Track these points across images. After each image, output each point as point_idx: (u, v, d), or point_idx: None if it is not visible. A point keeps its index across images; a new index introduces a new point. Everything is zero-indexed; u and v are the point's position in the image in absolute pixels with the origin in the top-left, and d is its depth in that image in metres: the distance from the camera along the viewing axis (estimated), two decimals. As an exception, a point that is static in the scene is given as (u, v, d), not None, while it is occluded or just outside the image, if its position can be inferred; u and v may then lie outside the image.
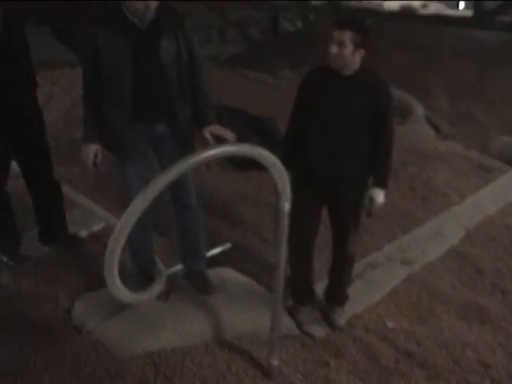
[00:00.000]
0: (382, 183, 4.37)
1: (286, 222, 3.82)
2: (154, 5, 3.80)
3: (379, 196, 4.33)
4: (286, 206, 3.77)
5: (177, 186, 4.25)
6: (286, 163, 4.39)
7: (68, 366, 3.91)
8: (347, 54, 4.01)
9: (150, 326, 4.19)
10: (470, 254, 6.02)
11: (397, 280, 5.45)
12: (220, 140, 4.14)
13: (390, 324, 4.88)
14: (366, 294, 5.20)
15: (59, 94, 8.94)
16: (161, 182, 3.34)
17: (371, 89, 4.15)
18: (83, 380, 3.81)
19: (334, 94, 4.18)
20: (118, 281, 3.57)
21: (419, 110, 11.55)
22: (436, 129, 11.28)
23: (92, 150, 4.09)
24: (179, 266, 4.84)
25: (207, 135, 4.15)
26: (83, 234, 5.23)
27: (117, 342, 4.10)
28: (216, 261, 5.21)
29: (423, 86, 13.33)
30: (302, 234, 4.58)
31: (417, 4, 21.63)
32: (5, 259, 4.96)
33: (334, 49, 3.99)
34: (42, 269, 4.94)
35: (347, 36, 3.96)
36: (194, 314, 4.35)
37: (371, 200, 4.32)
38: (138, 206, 3.35)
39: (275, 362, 4.08)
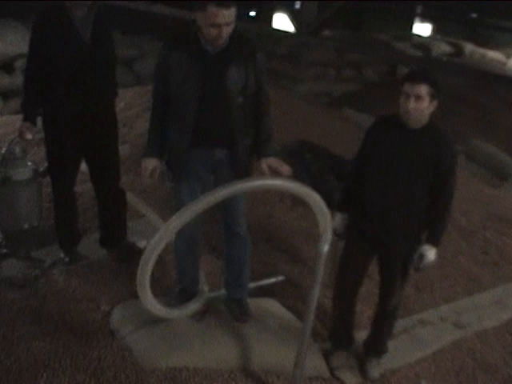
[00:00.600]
0: (434, 241, 4.31)
1: (322, 263, 3.86)
2: (226, 33, 3.88)
3: (430, 253, 4.27)
4: (325, 248, 3.80)
5: (227, 213, 4.36)
6: (343, 206, 4.44)
7: (92, 366, 4.02)
8: (424, 107, 4.00)
9: (178, 342, 4.26)
10: (529, 328, 5.84)
11: (444, 342, 5.33)
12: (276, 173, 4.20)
13: (424, 384, 4.80)
14: (408, 350, 5.12)
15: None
16: (196, 205, 3.44)
17: (435, 145, 4.12)
18: (102, 382, 3.91)
19: (396, 145, 4.17)
20: (149, 294, 3.70)
21: (520, 173, 11.32)
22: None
23: (150, 164, 4.21)
24: (222, 291, 4.91)
25: (264, 167, 4.21)
26: (142, 244, 5.35)
27: (144, 352, 4.19)
28: (266, 291, 5.25)
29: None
30: (348, 280, 4.60)
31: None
32: (62, 255, 5.16)
33: (411, 104, 3.98)
34: (93, 271, 5.10)
35: (424, 89, 3.95)
36: (224, 339, 4.39)
37: (421, 256, 4.27)
38: (173, 225, 3.46)
39: (295, 399, 4.09)
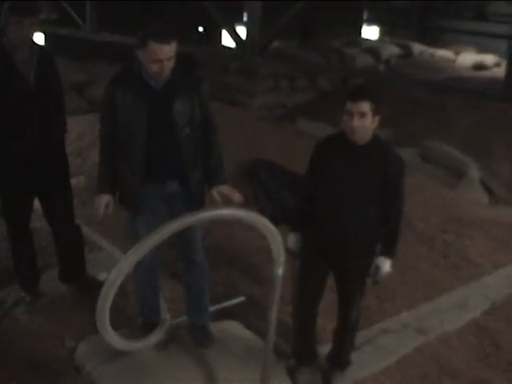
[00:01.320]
0: (388, 252, 4.40)
1: (278, 285, 3.92)
2: (168, 67, 3.95)
3: (385, 265, 4.36)
4: (279, 271, 3.87)
5: (183, 242, 4.43)
6: (296, 226, 4.51)
7: (60, 404, 4.05)
8: (368, 123, 4.09)
9: (143, 373, 4.31)
10: (490, 329, 5.91)
11: (408, 348, 5.39)
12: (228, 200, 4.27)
13: (390, 394, 4.87)
14: (372, 360, 5.18)
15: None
16: (152, 238, 3.50)
17: (382, 159, 4.22)
18: (70, 420, 3.94)
19: (344, 163, 4.25)
20: (109, 328, 3.73)
21: (474, 172, 11.43)
22: (490, 192, 11.12)
23: (103, 200, 4.27)
24: (184, 317, 4.95)
25: (215, 195, 4.27)
26: (102, 277, 5.37)
27: (110, 385, 4.23)
28: (228, 313, 5.30)
29: (486, 148, 13.16)
30: (306, 297, 4.66)
31: (490, 60, 21.47)
32: (23, 294, 5.17)
33: (356, 122, 4.06)
34: (55, 307, 5.12)
35: (366, 106, 4.03)
36: (188, 366, 4.44)
37: (377, 268, 4.35)
38: (131, 259, 3.51)
39: (262, 421, 4.14)
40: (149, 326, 4.59)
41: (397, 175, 4.26)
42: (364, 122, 4.07)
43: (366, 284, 4.57)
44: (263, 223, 3.77)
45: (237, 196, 4.22)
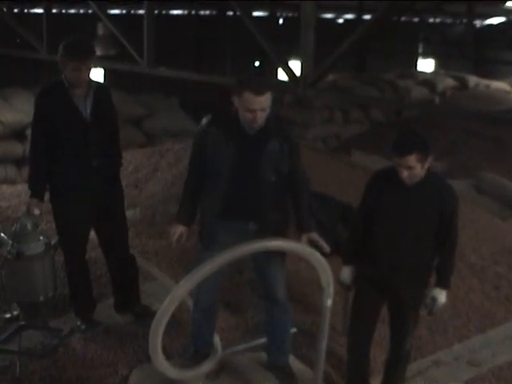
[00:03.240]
0: (444, 284, 4.46)
1: (327, 315, 3.99)
2: (262, 117, 4.05)
3: (441, 296, 4.42)
4: (328, 302, 3.95)
5: (265, 281, 4.56)
6: (349, 259, 4.54)
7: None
8: (417, 172, 4.16)
9: (194, 403, 4.37)
10: (543, 361, 5.87)
11: (460, 381, 5.38)
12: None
13: (442, 426, 4.86)
14: (424, 392, 5.19)
15: (164, 167, 9.38)
16: (205, 268, 3.61)
17: (436, 193, 4.28)
18: None
19: (398, 199, 4.32)
20: (161, 356, 3.83)
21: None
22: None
23: (179, 230, 4.45)
24: (238, 347, 5.03)
25: (304, 240, 4.32)
26: (156, 306, 5.46)
27: (160, 414, 4.30)
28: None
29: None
30: (360, 329, 4.69)
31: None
32: (79, 323, 5.30)
33: (404, 173, 4.14)
34: (110, 336, 5.22)
35: (413, 159, 4.08)
36: (239, 396, 4.50)
37: (433, 300, 4.40)
38: (183, 288, 3.62)
39: None
40: (200, 356, 4.65)
41: (451, 209, 4.31)
42: (413, 172, 4.14)
43: (419, 315, 4.59)
44: (314, 255, 3.87)
45: (325, 246, 4.29)
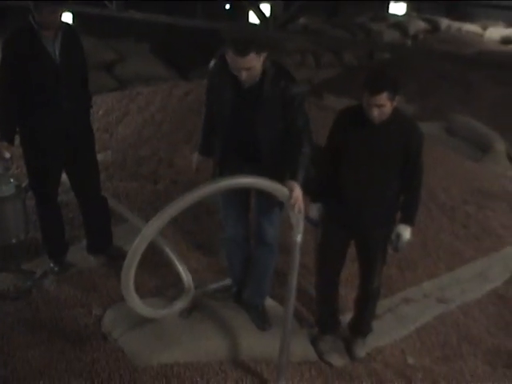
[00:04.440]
0: (409, 220, 4.50)
1: (297, 253, 4.05)
2: (250, 75, 4.04)
3: (406, 232, 4.45)
4: (298, 238, 4.00)
5: (256, 219, 4.58)
6: (317, 197, 4.59)
7: (87, 370, 4.18)
8: (387, 111, 4.17)
9: (168, 340, 4.43)
10: (510, 298, 6.01)
11: (428, 317, 5.51)
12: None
13: (410, 360, 4.97)
14: (393, 328, 5.29)
15: (134, 110, 9.34)
16: (172, 207, 3.64)
17: (402, 131, 4.29)
18: (97, 384, 4.08)
19: (364, 136, 4.33)
20: (134, 295, 3.88)
21: (501, 145, 11.42)
22: (516, 165, 11.13)
23: (195, 158, 4.79)
24: (211, 286, 5.10)
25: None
26: (128, 248, 5.47)
27: (136, 351, 4.36)
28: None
29: (512, 121, 13.16)
30: (327, 266, 4.76)
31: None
32: (51, 265, 5.32)
33: (375, 112, 4.14)
34: (83, 277, 5.25)
35: (384, 97, 4.09)
36: (212, 333, 4.56)
37: (398, 236, 4.44)
38: (152, 227, 3.65)
39: (283, 384, 4.27)
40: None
41: (416, 147, 4.34)
42: (382, 111, 4.15)
43: (387, 252, 4.65)
44: (282, 191, 3.91)
45: (299, 207, 4.08)
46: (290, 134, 4.23)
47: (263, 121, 4.23)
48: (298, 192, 4.05)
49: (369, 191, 4.41)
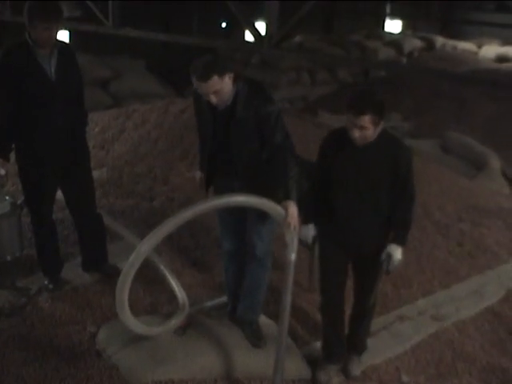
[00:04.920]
0: (400, 240, 4.44)
1: (291, 270, 4.06)
2: (220, 98, 4.10)
3: (397, 253, 4.39)
4: (292, 257, 4.02)
5: (248, 233, 4.60)
6: (308, 218, 4.55)
7: (80, 387, 4.19)
8: (369, 134, 4.12)
9: (163, 357, 4.42)
10: (505, 316, 5.98)
11: (423, 335, 5.48)
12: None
13: (404, 378, 4.95)
14: (388, 345, 5.28)
15: (130, 128, 9.37)
16: (166, 226, 3.67)
17: (390, 153, 4.26)
18: (91, 401, 4.08)
19: (353, 158, 4.30)
20: (128, 312, 3.90)
21: (495, 162, 11.45)
22: (511, 183, 11.14)
23: (197, 175, 4.78)
24: (204, 304, 5.11)
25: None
26: (123, 265, 5.49)
27: (130, 368, 4.36)
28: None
29: (507, 139, 13.18)
30: (331, 284, 4.72)
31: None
32: (46, 282, 5.32)
33: (356, 133, 4.09)
34: (77, 294, 5.26)
35: (367, 120, 4.03)
36: (206, 350, 4.55)
37: (389, 256, 4.39)
38: (146, 246, 3.67)
39: (277, 403, 4.26)
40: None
41: (405, 166, 4.29)
42: (365, 133, 4.10)
43: (380, 271, 4.64)
44: (276, 210, 3.94)
45: (294, 222, 4.13)
46: (270, 151, 4.24)
47: (239, 141, 4.27)
48: (293, 210, 4.08)
49: (359, 212, 4.38)
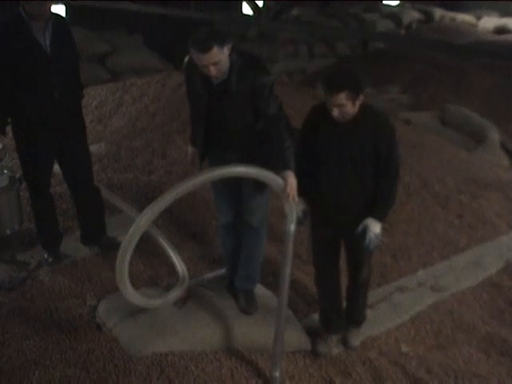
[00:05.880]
0: (379, 216, 4.37)
1: (291, 242, 4.05)
2: (217, 70, 4.07)
3: (374, 226, 4.31)
4: (291, 227, 4.00)
5: (243, 203, 4.61)
6: (298, 193, 4.47)
7: (81, 359, 4.19)
8: (349, 110, 4.06)
9: (163, 329, 4.43)
10: (504, 286, 6.00)
11: (422, 306, 5.51)
12: None
13: (404, 348, 4.98)
14: (387, 317, 5.30)
15: (128, 102, 9.34)
16: (165, 198, 3.65)
17: (372, 129, 4.20)
18: (92, 374, 4.07)
19: (334, 135, 4.26)
20: (128, 284, 3.90)
21: (495, 135, 11.42)
22: (511, 155, 11.13)
23: (189, 150, 4.80)
24: (204, 276, 5.11)
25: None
26: (122, 238, 5.49)
27: (130, 341, 4.37)
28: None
29: (506, 112, 13.16)
30: (323, 257, 4.73)
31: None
32: (46, 256, 5.33)
33: (335, 112, 4.05)
34: (77, 268, 5.27)
35: (343, 97, 3.98)
36: (206, 322, 4.56)
37: (365, 227, 4.31)
38: (146, 217, 3.66)
39: (277, 373, 4.28)
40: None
41: (388, 143, 4.23)
42: (343, 110, 4.06)
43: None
44: (277, 181, 3.92)
45: (292, 194, 4.13)
46: (265, 122, 4.24)
47: (235, 113, 4.28)
48: (292, 180, 4.08)
49: (345, 190, 4.35)
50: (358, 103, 4.08)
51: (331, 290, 4.84)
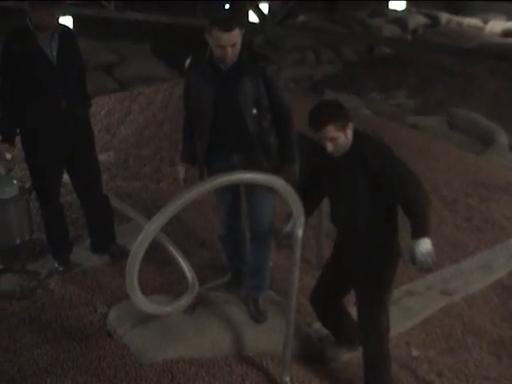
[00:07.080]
0: (418, 233, 3.99)
1: (299, 247, 4.07)
2: (233, 53, 4.17)
3: (418, 245, 3.94)
4: (299, 232, 4.02)
5: (250, 211, 4.65)
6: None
7: (92, 367, 4.21)
8: (342, 142, 3.93)
9: (173, 336, 4.45)
10: (515, 289, 6.01)
11: (432, 309, 5.50)
12: None
13: (415, 352, 4.97)
14: (398, 320, 5.24)
15: (136, 110, 9.38)
16: (173, 204, 3.67)
17: (361, 159, 3.99)
18: (103, 381, 4.09)
19: (331, 169, 4.15)
20: (138, 292, 3.90)
21: (503, 138, 11.41)
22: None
23: (181, 168, 4.73)
24: (213, 283, 5.13)
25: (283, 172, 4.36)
26: (132, 246, 5.50)
27: (141, 348, 4.39)
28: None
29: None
30: (324, 285, 4.63)
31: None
32: (56, 265, 5.36)
33: (329, 146, 3.91)
34: (87, 276, 5.30)
35: (331, 130, 3.85)
36: (216, 328, 4.59)
37: (412, 250, 3.97)
38: (154, 225, 3.68)
39: (287, 378, 4.28)
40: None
41: (381, 167, 3.95)
42: (337, 143, 3.92)
43: (383, 285, 4.45)
44: (283, 186, 3.93)
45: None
46: (278, 111, 4.38)
47: (247, 99, 4.31)
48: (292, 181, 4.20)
49: (348, 222, 4.23)
50: (349, 132, 3.94)
51: (325, 317, 4.74)
